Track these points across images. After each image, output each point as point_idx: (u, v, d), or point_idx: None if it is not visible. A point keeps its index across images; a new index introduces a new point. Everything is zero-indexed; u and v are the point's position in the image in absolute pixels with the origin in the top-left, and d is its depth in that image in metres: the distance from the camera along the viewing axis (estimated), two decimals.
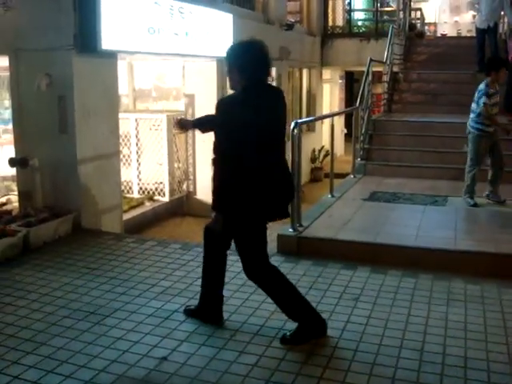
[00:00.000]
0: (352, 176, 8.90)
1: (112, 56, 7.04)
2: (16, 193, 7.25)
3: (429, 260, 5.36)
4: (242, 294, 4.70)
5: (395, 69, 12.76)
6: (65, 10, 6.39)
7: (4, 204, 7.58)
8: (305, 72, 15.14)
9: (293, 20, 13.79)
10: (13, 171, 7.19)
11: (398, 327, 4.13)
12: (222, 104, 3.71)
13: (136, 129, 9.28)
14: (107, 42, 6.53)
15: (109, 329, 4.09)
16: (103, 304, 4.53)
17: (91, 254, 5.75)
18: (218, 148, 3.62)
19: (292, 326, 4.01)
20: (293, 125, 5.82)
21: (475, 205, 6.99)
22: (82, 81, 6.57)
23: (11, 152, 7.06)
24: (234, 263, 5.44)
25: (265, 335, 3.99)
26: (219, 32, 9.18)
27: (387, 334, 4.03)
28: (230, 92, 3.85)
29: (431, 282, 4.98)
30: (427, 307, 4.48)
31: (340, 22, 17.80)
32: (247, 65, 3.65)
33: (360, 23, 18.85)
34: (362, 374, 3.50)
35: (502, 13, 12.45)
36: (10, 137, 7.47)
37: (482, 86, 6.95)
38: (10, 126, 7.36)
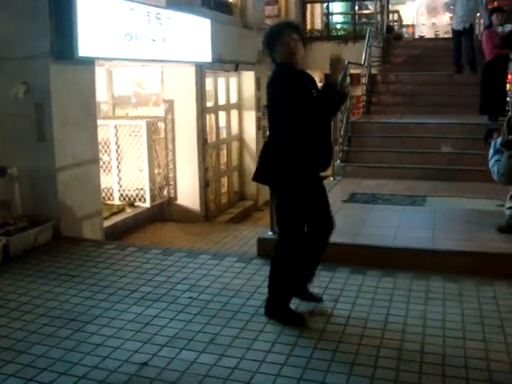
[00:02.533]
0: (331, 178, 8.93)
1: (89, 63, 7.04)
2: None
3: (407, 260, 5.41)
4: (222, 298, 4.72)
5: (373, 71, 12.85)
6: (41, 18, 6.38)
7: None
8: None
9: (271, 24, 13.82)
10: None
11: (377, 327, 4.17)
12: None
13: (116, 135, 9.26)
14: (84, 49, 6.53)
15: (89, 335, 4.09)
16: (83, 311, 4.52)
17: (71, 262, 5.74)
18: None
19: (271, 330, 4.07)
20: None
21: None
22: (60, 88, 6.56)
23: None
24: (214, 267, 5.50)
25: (245, 338, 4.01)
26: (197, 37, 9.21)
27: (366, 333, 4.07)
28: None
29: (410, 281, 5.03)
30: (406, 306, 4.52)
31: (319, 25, 17.88)
32: None
33: (338, 26, 18.95)
34: (341, 373, 3.52)
35: (478, 14, 12.60)
36: None
37: None
38: None
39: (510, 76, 10.18)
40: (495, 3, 13.55)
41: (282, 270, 4.21)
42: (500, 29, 9.89)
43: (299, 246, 4.20)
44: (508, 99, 9.96)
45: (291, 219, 4.18)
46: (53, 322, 4.34)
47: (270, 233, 5.89)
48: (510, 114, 8.82)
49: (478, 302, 4.61)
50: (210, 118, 10.62)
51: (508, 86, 10.28)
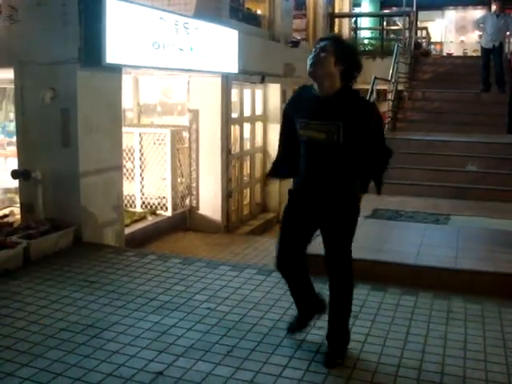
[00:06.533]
0: None
1: (116, 70, 7.07)
2: (18, 205, 7.26)
3: (429, 278, 5.34)
4: (240, 310, 4.68)
5: (400, 87, 12.79)
6: (70, 24, 6.42)
7: (6, 216, 7.61)
8: None
9: (298, 37, 13.84)
10: (16, 183, 7.21)
11: (397, 345, 4.10)
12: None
13: (140, 143, 9.29)
14: (112, 57, 6.55)
15: (106, 342, 4.08)
16: (101, 317, 4.52)
17: (91, 268, 5.74)
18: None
19: (289, 345, 4.03)
20: None
21: None
22: (86, 94, 6.60)
23: (15, 164, 7.09)
24: (233, 279, 5.47)
25: (262, 351, 3.96)
26: (224, 48, 9.21)
27: (385, 352, 4.00)
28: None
29: (431, 300, 4.95)
30: (426, 326, 4.45)
31: None
32: None
33: (366, 41, 18.93)
34: None
35: (508, 33, 12.52)
36: (15, 149, 7.51)
37: None
38: (15, 139, 7.40)
39: None
40: None
41: None
42: None
43: (289, 262, 4.38)
44: None
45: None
46: (70, 327, 4.33)
47: None
48: None
49: (500, 324, 4.53)
50: (234, 129, 10.61)
51: None
